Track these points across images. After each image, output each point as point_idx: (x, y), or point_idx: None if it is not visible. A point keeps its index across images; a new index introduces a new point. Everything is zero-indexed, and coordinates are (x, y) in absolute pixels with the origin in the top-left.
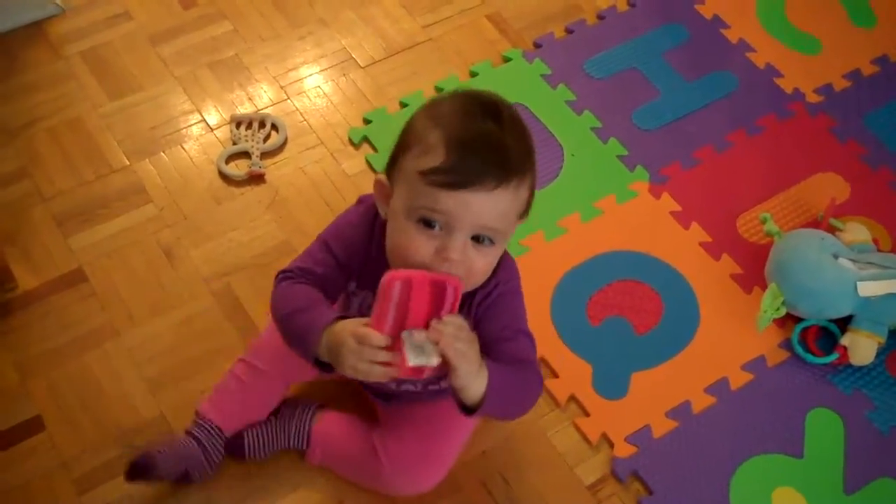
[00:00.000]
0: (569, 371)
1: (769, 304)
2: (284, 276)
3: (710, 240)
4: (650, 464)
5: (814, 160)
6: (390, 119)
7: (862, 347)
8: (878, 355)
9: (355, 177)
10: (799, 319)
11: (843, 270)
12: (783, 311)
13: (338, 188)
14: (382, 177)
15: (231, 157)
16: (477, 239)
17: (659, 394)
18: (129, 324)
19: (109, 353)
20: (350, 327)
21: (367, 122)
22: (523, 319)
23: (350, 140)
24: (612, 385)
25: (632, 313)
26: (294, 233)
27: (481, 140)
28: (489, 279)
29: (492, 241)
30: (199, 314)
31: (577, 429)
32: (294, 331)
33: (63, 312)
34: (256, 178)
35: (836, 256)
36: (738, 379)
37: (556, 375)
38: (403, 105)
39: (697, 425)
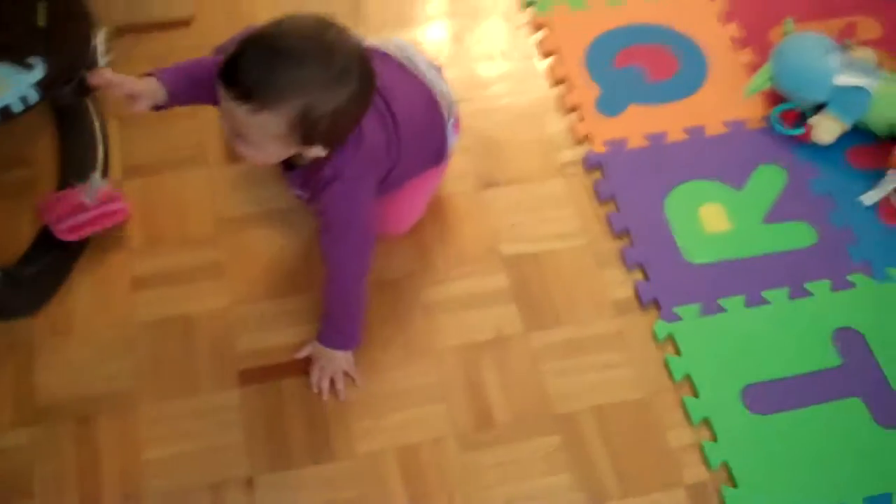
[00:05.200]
0: (581, 89)
1: (758, 75)
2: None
3: (741, 35)
4: (614, 163)
5: (863, 6)
6: None
7: (824, 127)
8: (839, 143)
9: None
10: (784, 101)
11: (828, 61)
12: (768, 84)
13: None
14: None
15: None
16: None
17: (644, 122)
18: None
19: None
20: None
21: None
22: (346, 219)
23: None
24: (611, 106)
25: (650, 67)
26: None
27: (248, 57)
28: (327, 168)
29: (244, 139)
30: None
31: (570, 126)
32: None
33: None
34: None
35: (827, 52)
36: (715, 129)
37: (570, 89)
38: None
39: (664, 149)
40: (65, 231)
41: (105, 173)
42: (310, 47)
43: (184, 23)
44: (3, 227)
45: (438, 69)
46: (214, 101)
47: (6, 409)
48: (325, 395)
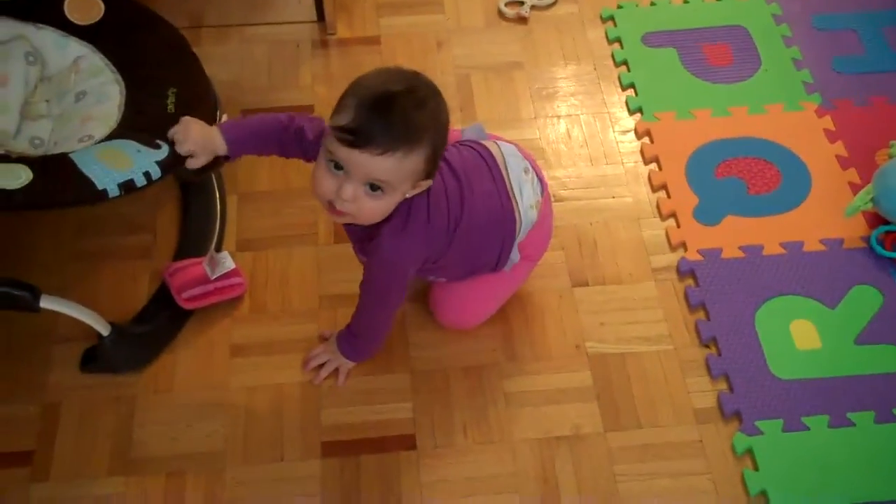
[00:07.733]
0: (680, 196)
1: (860, 195)
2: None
3: (846, 155)
4: (707, 271)
5: None
6: (638, 11)
7: None
8: None
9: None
10: (885, 223)
11: None
12: (869, 205)
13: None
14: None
15: (510, 4)
16: (371, 186)
17: (741, 233)
18: None
19: None
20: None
21: (619, 7)
22: (370, 283)
23: (600, 15)
24: (708, 215)
25: (751, 179)
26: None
27: (379, 114)
28: (388, 233)
29: (383, 190)
30: None
31: (666, 232)
32: None
33: (357, 57)
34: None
35: None
36: (813, 246)
37: (669, 196)
38: (653, 3)
39: (760, 262)
40: (186, 300)
41: (219, 246)
42: (410, 92)
43: (308, 108)
44: (121, 286)
45: (535, 183)
46: (277, 152)
47: (104, 457)
48: (319, 381)
